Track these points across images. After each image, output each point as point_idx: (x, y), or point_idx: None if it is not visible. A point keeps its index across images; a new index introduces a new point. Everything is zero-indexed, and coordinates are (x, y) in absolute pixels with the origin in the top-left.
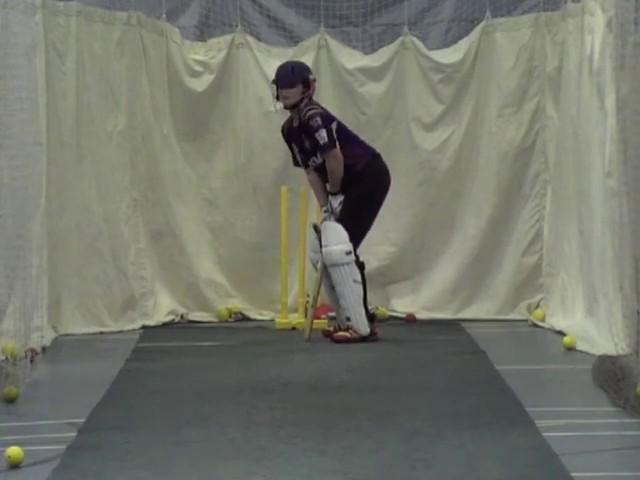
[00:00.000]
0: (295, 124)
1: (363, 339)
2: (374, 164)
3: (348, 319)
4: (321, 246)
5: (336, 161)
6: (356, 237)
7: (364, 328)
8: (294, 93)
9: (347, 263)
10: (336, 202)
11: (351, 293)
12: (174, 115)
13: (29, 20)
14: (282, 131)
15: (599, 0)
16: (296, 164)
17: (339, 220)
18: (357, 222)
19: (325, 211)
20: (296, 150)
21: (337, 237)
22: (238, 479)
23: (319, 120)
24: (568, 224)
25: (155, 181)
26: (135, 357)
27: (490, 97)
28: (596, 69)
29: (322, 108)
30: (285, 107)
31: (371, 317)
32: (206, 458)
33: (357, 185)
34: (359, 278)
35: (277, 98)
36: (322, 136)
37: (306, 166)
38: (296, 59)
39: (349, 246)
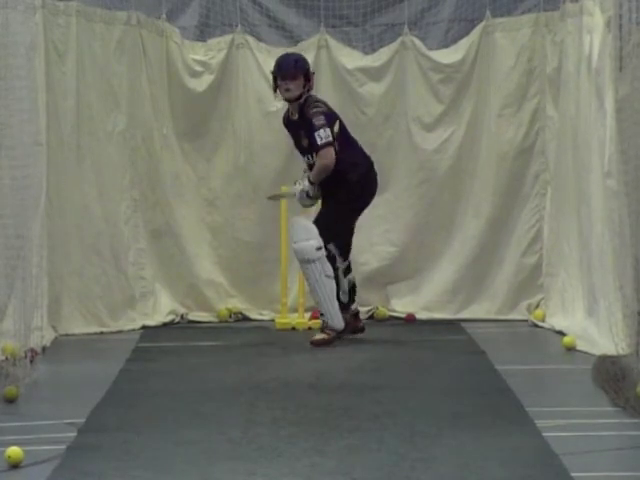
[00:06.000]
0: (294, 117)
1: (339, 335)
2: (369, 176)
3: (322, 314)
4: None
5: (328, 161)
6: (335, 235)
7: (339, 322)
8: (296, 85)
9: (318, 258)
10: (308, 186)
11: (324, 288)
12: (174, 115)
13: (29, 20)
14: (283, 120)
15: (598, 0)
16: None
17: (321, 217)
18: (338, 223)
19: (305, 170)
20: (292, 142)
21: (306, 233)
22: (238, 479)
23: (322, 119)
24: (568, 224)
25: (155, 181)
26: (135, 357)
27: (490, 97)
28: (595, 69)
29: (326, 106)
30: (286, 99)
31: (344, 307)
32: (206, 458)
33: (349, 193)
34: (331, 273)
35: (275, 90)
36: (321, 136)
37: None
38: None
39: (319, 241)
